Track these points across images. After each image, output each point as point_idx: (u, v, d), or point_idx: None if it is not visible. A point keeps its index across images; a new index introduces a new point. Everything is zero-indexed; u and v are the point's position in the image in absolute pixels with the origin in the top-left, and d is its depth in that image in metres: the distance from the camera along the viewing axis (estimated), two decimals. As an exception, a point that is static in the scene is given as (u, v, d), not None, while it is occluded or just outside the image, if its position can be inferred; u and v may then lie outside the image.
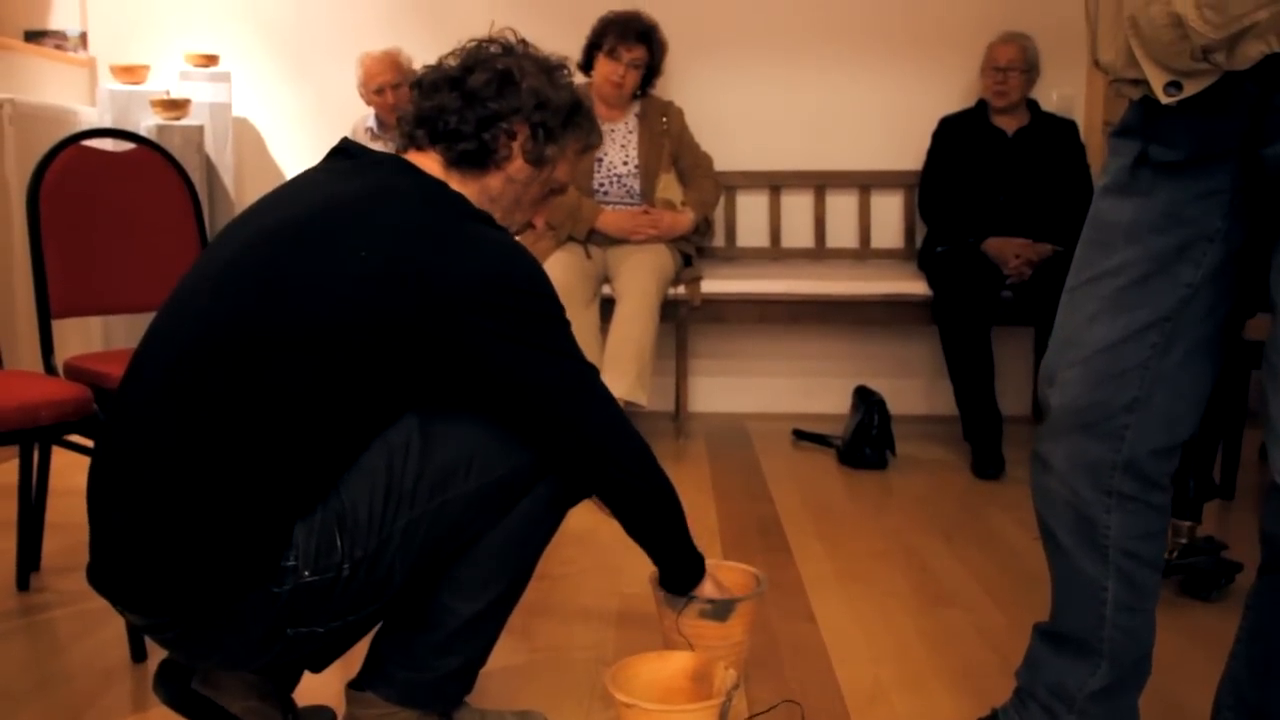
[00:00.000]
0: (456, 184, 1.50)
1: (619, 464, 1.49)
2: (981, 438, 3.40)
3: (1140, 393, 1.35)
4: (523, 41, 1.57)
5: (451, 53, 1.55)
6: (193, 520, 1.31)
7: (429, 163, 1.50)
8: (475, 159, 1.50)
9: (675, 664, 1.63)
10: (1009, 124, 3.75)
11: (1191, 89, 1.23)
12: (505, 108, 1.49)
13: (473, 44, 1.55)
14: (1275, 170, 1.22)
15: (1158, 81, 1.25)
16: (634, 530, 1.58)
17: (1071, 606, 1.46)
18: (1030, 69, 3.72)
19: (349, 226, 1.36)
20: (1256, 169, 1.25)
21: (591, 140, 1.61)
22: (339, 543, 1.35)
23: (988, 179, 3.68)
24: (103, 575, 1.38)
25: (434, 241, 1.36)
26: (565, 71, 1.57)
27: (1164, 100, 1.25)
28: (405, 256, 1.34)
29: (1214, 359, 1.38)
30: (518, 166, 1.52)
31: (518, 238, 1.58)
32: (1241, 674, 1.30)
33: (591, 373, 1.48)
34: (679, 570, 1.67)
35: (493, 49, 1.54)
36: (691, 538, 1.65)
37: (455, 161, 1.50)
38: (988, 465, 3.34)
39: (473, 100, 1.49)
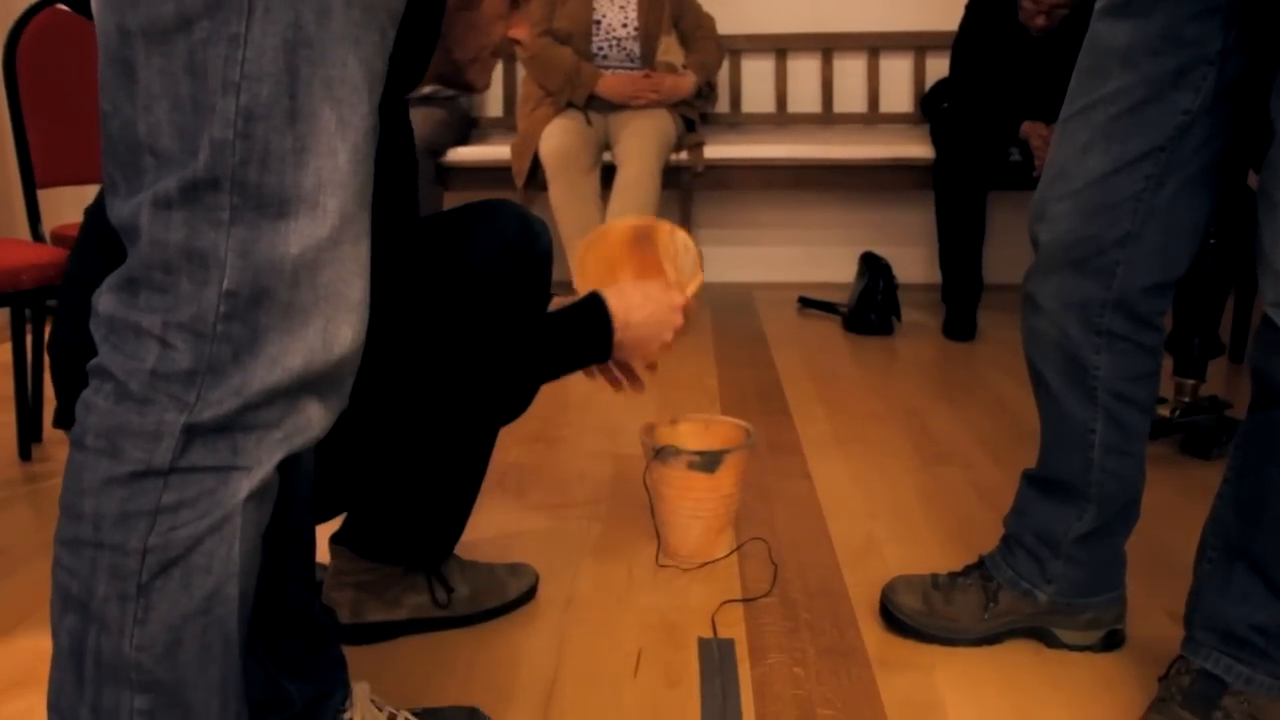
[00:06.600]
0: None
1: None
2: (958, 301, 3.39)
3: (1132, 227, 1.30)
4: None
5: None
6: None
7: None
8: None
9: (614, 234, 1.48)
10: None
11: (1192, -104, 1.15)
12: None
13: None
14: (1279, -16, 1.15)
15: (1156, -111, 1.17)
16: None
17: (1059, 450, 1.44)
18: None
19: None
20: (1260, -16, 1.18)
21: None
22: None
23: (1017, 76, 3.35)
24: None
25: None
26: None
27: (1163, -91, 1.17)
28: None
29: (1210, 194, 1.32)
30: None
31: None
32: (1226, 513, 1.27)
33: None
34: (579, 351, 1.32)
35: None
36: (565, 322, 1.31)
37: None
38: (958, 328, 3.35)
39: None
